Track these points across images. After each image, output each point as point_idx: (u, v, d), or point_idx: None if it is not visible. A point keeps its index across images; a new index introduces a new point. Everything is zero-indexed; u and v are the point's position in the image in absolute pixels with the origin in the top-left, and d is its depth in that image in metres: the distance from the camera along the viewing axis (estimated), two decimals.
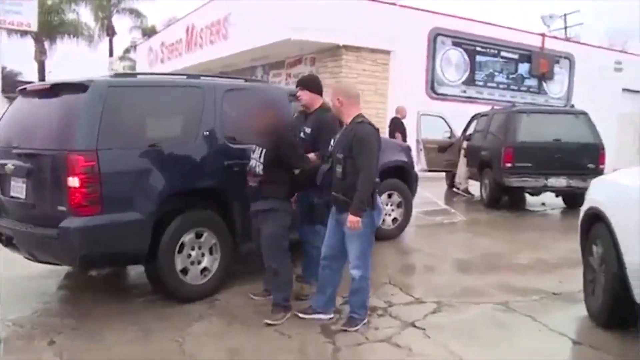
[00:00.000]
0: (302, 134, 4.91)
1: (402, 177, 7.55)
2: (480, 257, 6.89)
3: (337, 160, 4.14)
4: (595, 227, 4.45)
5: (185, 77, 5.50)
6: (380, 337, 4.16)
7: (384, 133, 12.37)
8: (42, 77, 36.76)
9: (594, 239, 4.48)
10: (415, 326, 4.40)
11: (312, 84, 5.00)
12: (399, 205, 7.50)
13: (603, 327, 4.28)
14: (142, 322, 4.44)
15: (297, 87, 5.02)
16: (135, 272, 5.87)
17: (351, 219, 3.99)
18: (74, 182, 4.16)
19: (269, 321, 4.34)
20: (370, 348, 4.01)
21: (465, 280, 5.86)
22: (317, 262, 4.67)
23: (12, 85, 28.18)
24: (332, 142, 4.36)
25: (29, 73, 38.09)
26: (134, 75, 5.12)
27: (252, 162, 4.45)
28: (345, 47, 14.69)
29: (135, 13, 40.78)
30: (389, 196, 7.38)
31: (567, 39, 23.83)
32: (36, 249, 4.61)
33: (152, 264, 4.70)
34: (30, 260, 5.04)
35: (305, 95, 4.91)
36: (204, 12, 19.07)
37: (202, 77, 5.46)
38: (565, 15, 28.51)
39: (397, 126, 12.89)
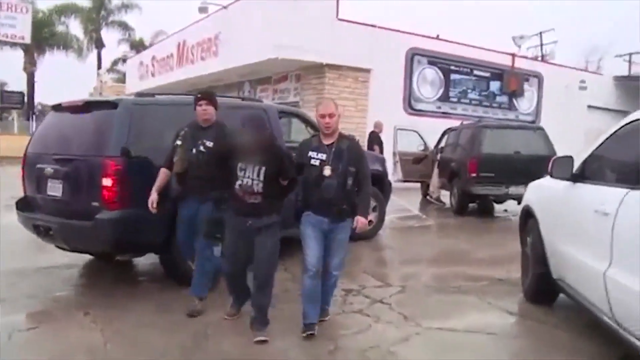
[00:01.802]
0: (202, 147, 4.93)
1: (377, 184, 8.55)
2: (443, 254, 8.00)
3: (348, 173, 4.33)
4: (529, 221, 5.51)
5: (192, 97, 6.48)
6: (354, 310, 5.16)
7: (363, 146, 13.46)
8: (30, 88, 37.54)
9: (528, 231, 5.55)
10: (382, 302, 5.42)
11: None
12: (374, 209, 8.50)
13: (532, 301, 5.35)
14: (161, 299, 5.34)
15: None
16: (142, 263, 6.81)
17: (364, 221, 4.37)
18: (107, 181, 5.13)
19: (262, 338, 4.35)
20: (345, 317, 5.00)
21: (427, 271, 6.96)
22: (210, 275, 5.03)
23: None
24: (315, 155, 4.39)
25: (14, 83, 38.80)
26: (153, 95, 6.08)
27: (246, 181, 4.36)
28: (328, 65, 15.84)
29: (124, 26, 41.66)
30: None
31: (538, 58, 25.12)
32: (72, 238, 5.55)
33: (166, 253, 5.64)
34: (62, 249, 6.03)
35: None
36: (195, 29, 20.13)
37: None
38: (540, 33, 29.67)
39: (374, 139, 13.99)
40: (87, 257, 6.79)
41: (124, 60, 39.14)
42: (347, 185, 4.36)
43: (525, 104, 20.92)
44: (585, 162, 4.49)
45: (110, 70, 43.39)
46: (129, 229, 5.26)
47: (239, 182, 4.39)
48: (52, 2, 38.40)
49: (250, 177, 4.36)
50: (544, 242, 4.96)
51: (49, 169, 5.64)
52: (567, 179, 4.53)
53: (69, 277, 6.38)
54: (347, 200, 4.39)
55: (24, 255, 7.27)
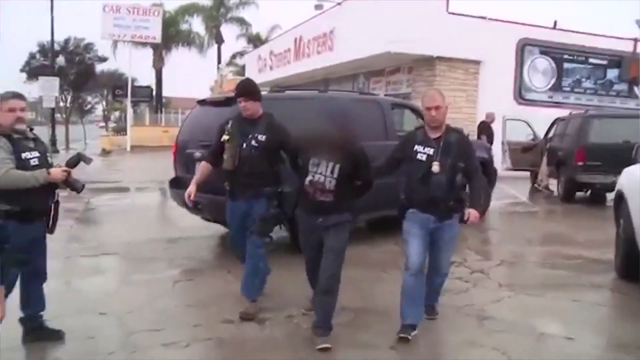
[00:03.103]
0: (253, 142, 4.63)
1: (483, 171, 9.16)
2: (544, 236, 8.54)
3: (457, 169, 4.10)
4: (621, 204, 5.96)
5: (317, 91, 7.44)
6: (455, 277, 5.85)
7: (474, 136, 14.00)
8: (158, 83, 40.57)
9: (620, 213, 6.00)
10: (481, 272, 6.14)
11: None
12: None
13: (622, 277, 5.83)
14: (289, 264, 5.78)
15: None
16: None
17: (475, 214, 4.16)
18: None
19: (325, 345, 4.05)
20: (447, 281, 5.69)
21: (526, 249, 7.56)
22: (263, 274, 4.82)
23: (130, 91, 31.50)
24: (422, 149, 4.15)
25: (142, 78, 41.98)
26: (283, 90, 7.08)
27: (319, 177, 4.10)
28: (439, 58, 16.38)
29: (242, 22, 43.61)
30: None
31: None
32: (217, 212, 6.63)
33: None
34: (207, 220, 7.20)
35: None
36: (311, 25, 21.27)
37: (330, 91, 7.38)
38: None
39: (484, 129, 14.40)
40: (223, 229, 7.91)
41: (242, 54, 41.29)
42: (455, 181, 4.11)
43: None
44: None
45: (229, 64, 45.73)
46: None
47: (309, 178, 4.13)
48: (177, 3, 41.21)
49: (323, 173, 4.10)
50: (633, 222, 5.42)
51: (197, 154, 6.78)
52: None
53: (209, 245, 7.63)
54: (455, 196, 4.17)
55: (166, 227, 8.66)
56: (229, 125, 4.73)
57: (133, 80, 34.39)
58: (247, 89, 4.75)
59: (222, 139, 4.71)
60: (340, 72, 20.59)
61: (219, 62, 43.66)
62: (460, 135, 4.27)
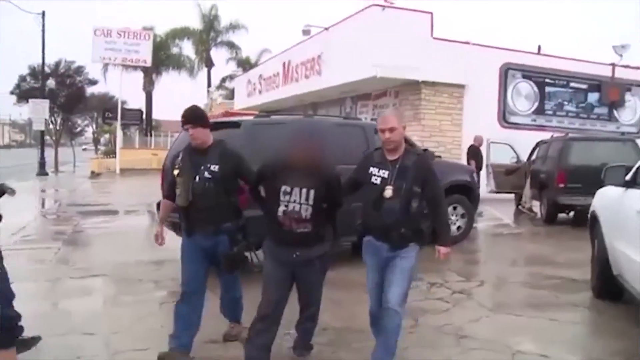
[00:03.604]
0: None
1: (466, 193, 9.36)
2: (526, 257, 8.73)
3: (412, 194, 3.76)
4: (595, 225, 6.15)
5: (301, 115, 7.64)
6: (436, 297, 6.05)
7: (462, 159, 14.30)
8: (148, 106, 40.78)
9: (595, 234, 6.19)
10: (461, 293, 6.27)
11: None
12: (462, 216, 9.29)
13: (598, 297, 5.99)
14: None
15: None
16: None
17: (445, 252, 3.94)
18: None
19: None
20: (427, 303, 5.88)
21: (507, 269, 7.75)
22: (240, 302, 4.73)
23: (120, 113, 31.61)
24: (377, 171, 3.85)
25: (132, 101, 42.24)
26: (269, 116, 7.26)
27: (293, 207, 3.80)
28: (424, 82, 16.67)
29: (231, 45, 44.09)
30: (454, 208, 9.20)
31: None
32: None
33: None
34: None
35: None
36: (299, 50, 21.59)
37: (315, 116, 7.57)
38: None
39: (473, 153, 14.65)
40: None
41: (232, 78, 41.63)
42: (410, 208, 3.76)
43: (627, 115, 20.53)
44: (637, 170, 5.14)
45: (219, 87, 46.08)
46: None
47: (282, 208, 3.82)
48: (168, 26, 41.56)
49: (297, 201, 3.81)
50: (605, 242, 5.61)
51: None
52: (620, 185, 5.20)
53: None
54: (410, 224, 3.80)
55: (153, 249, 8.65)
56: (180, 157, 4.35)
57: (123, 103, 34.53)
58: (194, 115, 4.33)
59: (172, 173, 4.35)
60: (328, 96, 20.88)
61: (209, 85, 44.08)
62: (419, 157, 3.94)
